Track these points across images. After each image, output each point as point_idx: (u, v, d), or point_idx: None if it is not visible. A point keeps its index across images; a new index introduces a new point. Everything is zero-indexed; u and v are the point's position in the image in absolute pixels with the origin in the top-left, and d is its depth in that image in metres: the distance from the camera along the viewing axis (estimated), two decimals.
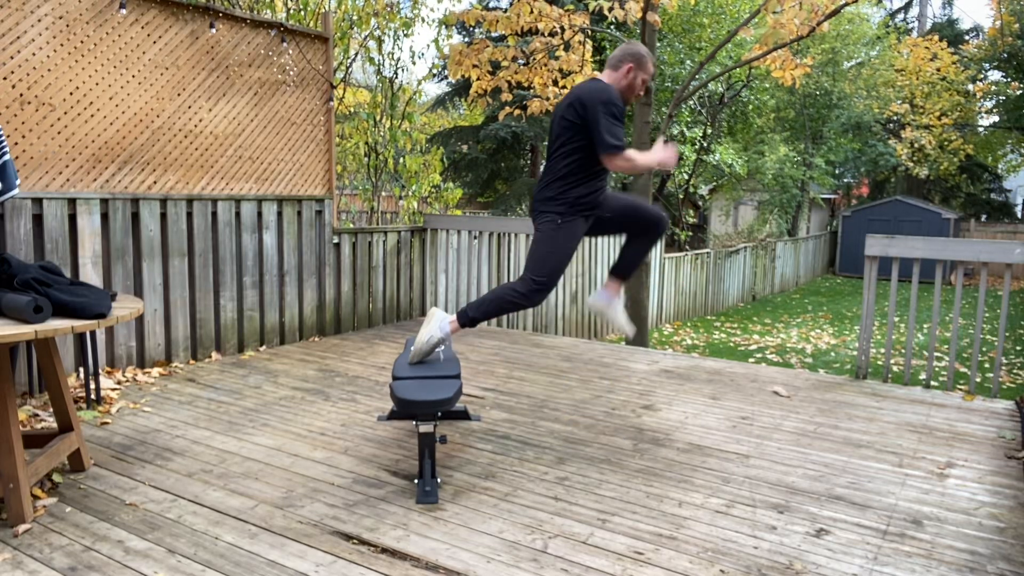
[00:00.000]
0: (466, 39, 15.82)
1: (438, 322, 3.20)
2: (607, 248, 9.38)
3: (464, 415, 3.32)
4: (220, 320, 5.05)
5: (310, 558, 2.33)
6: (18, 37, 3.93)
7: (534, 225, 3.33)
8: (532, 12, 6.48)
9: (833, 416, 3.94)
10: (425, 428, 2.83)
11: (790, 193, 16.85)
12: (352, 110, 7.44)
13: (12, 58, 3.91)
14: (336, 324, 5.91)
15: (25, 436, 2.91)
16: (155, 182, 4.61)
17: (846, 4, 6.17)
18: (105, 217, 4.37)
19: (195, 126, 4.78)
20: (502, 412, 3.92)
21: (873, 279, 4.66)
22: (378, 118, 7.06)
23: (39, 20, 4.01)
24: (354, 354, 5.20)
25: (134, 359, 4.58)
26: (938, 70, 18.91)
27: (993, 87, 19.94)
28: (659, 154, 3.12)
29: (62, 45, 4.12)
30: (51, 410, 3.75)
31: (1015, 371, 8.61)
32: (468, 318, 3.25)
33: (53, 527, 2.51)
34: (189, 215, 4.80)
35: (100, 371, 4.26)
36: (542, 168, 3.43)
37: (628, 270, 3.36)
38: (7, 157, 3.55)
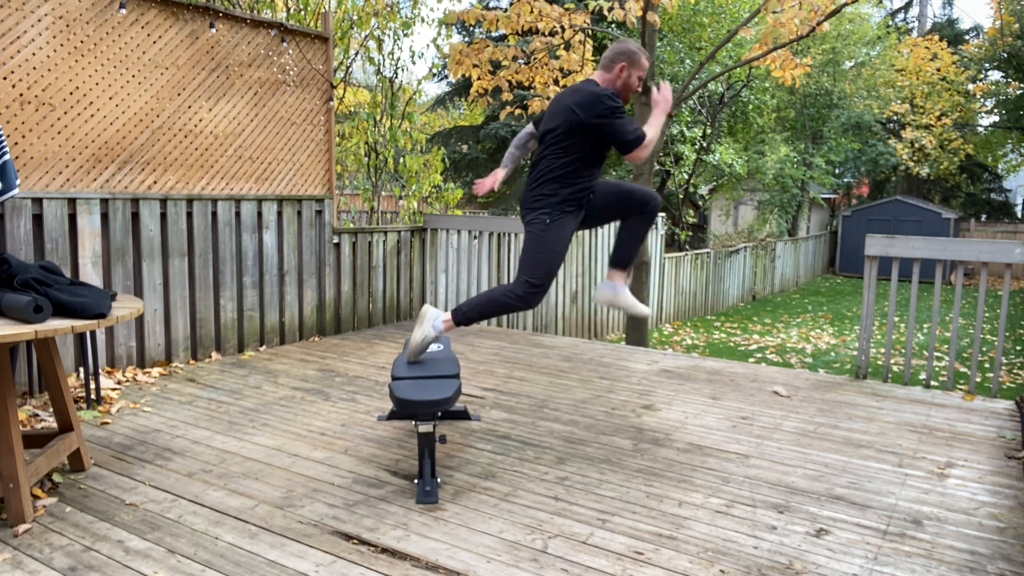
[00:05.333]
0: (466, 39, 15.81)
1: (431, 320, 3.21)
2: (605, 246, 9.38)
3: (464, 415, 3.32)
4: (220, 320, 5.05)
5: (310, 558, 2.33)
6: (18, 37, 3.93)
7: (524, 224, 3.28)
8: (532, 12, 6.47)
9: (833, 416, 3.94)
10: (425, 428, 2.83)
11: (790, 193, 16.84)
12: (352, 110, 7.44)
13: (12, 58, 3.91)
14: (336, 324, 5.91)
15: (25, 436, 2.91)
16: (155, 182, 4.61)
17: (846, 4, 6.17)
18: (105, 217, 4.37)
19: (195, 126, 4.78)
20: (502, 412, 3.92)
21: (873, 279, 4.66)
22: (378, 118, 7.06)
23: (39, 20, 4.00)
24: (354, 354, 5.20)
25: (134, 359, 4.58)
26: (938, 70, 18.91)
27: (993, 87, 19.93)
28: (662, 108, 3.11)
29: (62, 45, 4.11)
30: (51, 410, 3.75)
31: (1015, 371, 8.61)
32: (462, 315, 3.21)
33: (53, 527, 2.51)
34: (189, 215, 4.80)
35: (100, 371, 4.25)
36: (534, 161, 3.31)
37: (628, 258, 3.29)
38: (7, 157, 3.55)
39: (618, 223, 3.42)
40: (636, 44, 3.22)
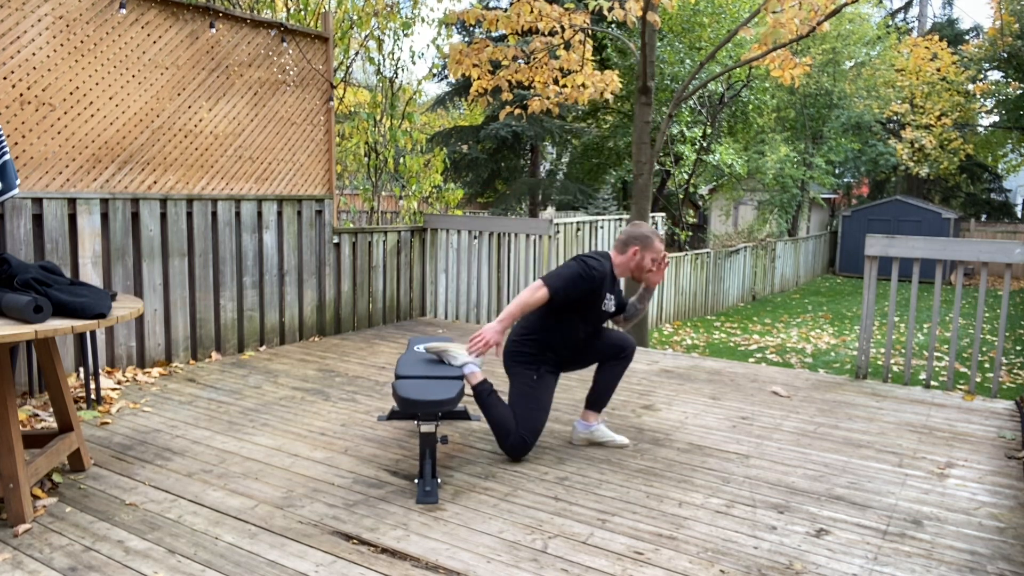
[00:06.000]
0: (466, 39, 15.81)
1: (471, 360, 3.26)
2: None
3: (464, 415, 3.32)
4: (220, 320, 5.05)
5: (310, 558, 2.33)
6: (18, 37, 3.93)
7: (507, 368, 3.29)
8: (532, 12, 6.46)
9: (833, 416, 3.94)
10: (427, 428, 2.83)
11: (790, 193, 16.83)
12: (352, 110, 7.44)
13: (12, 58, 3.91)
14: (336, 324, 5.91)
15: (25, 436, 2.91)
16: (155, 182, 4.61)
17: (846, 4, 6.16)
18: (105, 217, 4.37)
19: (195, 126, 4.78)
20: None
21: (873, 279, 4.66)
22: (378, 118, 7.06)
23: (39, 20, 4.00)
24: (354, 354, 5.20)
25: (134, 359, 4.58)
26: (938, 70, 18.89)
27: (993, 87, 19.93)
28: (493, 335, 3.08)
29: (62, 45, 4.11)
30: (51, 410, 3.75)
31: (1015, 371, 8.60)
32: (482, 391, 3.22)
33: (53, 527, 2.51)
34: (189, 215, 4.80)
35: (100, 371, 4.25)
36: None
37: (604, 401, 3.43)
38: (7, 157, 3.55)
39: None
40: (650, 228, 3.32)
